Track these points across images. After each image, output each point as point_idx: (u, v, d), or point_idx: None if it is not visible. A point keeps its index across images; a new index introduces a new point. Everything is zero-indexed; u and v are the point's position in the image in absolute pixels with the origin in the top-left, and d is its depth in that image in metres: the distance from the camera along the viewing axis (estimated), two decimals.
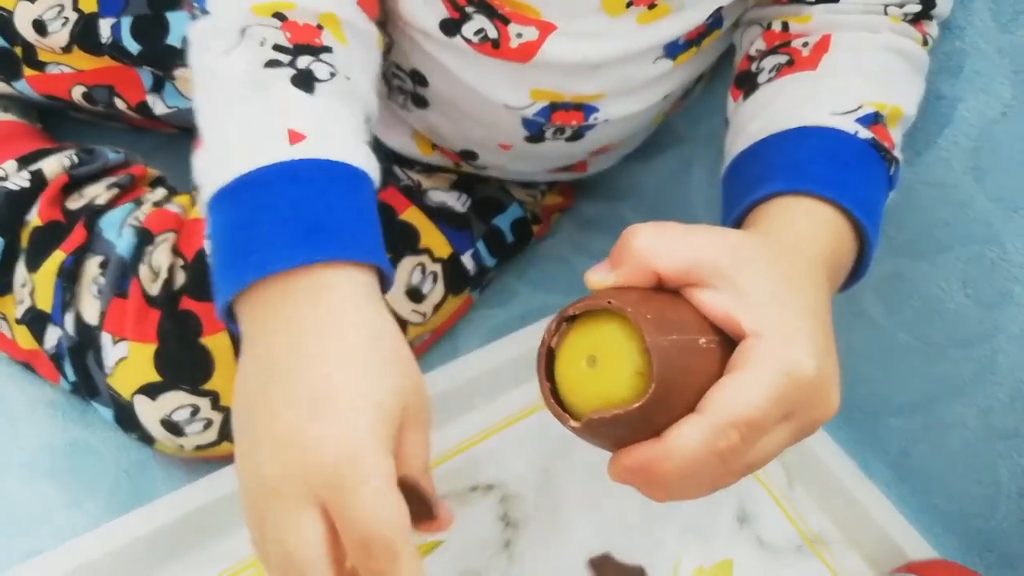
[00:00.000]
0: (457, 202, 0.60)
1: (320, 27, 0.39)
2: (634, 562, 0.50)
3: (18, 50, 0.56)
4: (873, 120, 0.43)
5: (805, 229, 0.39)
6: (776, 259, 0.35)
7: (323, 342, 0.33)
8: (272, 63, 0.38)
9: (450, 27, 0.46)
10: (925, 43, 0.48)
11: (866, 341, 0.57)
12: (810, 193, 0.40)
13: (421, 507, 0.34)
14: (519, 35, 0.46)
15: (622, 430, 0.31)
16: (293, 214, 0.34)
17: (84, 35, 0.55)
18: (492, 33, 0.45)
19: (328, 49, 0.39)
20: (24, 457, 0.52)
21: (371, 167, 0.38)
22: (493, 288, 0.65)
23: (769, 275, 0.33)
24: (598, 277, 0.33)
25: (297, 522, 0.31)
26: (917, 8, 0.47)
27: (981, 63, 0.50)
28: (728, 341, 0.33)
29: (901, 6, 0.47)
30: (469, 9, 0.45)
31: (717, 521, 0.53)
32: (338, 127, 0.38)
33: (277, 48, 0.38)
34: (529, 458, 0.53)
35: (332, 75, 0.38)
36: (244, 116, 0.37)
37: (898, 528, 0.52)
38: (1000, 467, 0.53)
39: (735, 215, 0.42)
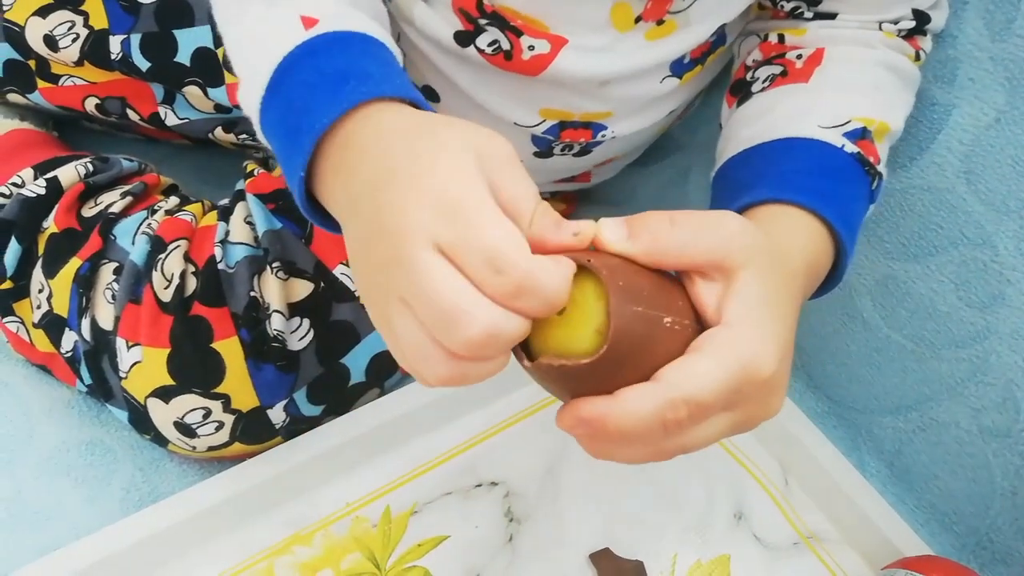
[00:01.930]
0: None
1: None
2: (633, 557, 0.51)
3: (32, 63, 0.57)
4: (860, 135, 0.45)
5: (791, 240, 0.40)
6: (772, 266, 0.36)
7: (395, 151, 0.32)
8: None
9: (464, 38, 0.47)
10: (918, 58, 0.49)
11: (860, 342, 0.58)
12: (795, 203, 0.41)
13: None
14: (531, 47, 0.47)
15: (571, 382, 0.32)
16: (322, 78, 0.35)
17: (94, 51, 0.55)
18: (505, 45, 0.46)
19: None
20: (41, 455, 0.53)
21: (387, 39, 0.38)
22: None
23: (764, 280, 0.34)
24: (609, 237, 0.33)
25: (427, 265, 0.30)
26: (911, 24, 0.48)
27: (975, 71, 0.50)
28: (699, 328, 0.34)
29: (896, 22, 0.48)
30: (483, 21, 0.46)
31: (714, 518, 0.54)
32: (350, 10, 0.39)
33: None
34: (532, 456, 0.54)
35: None
36: (263, 29, 0.38)
37: (893, 525, 0.53)
38: (993, 466, 0.54)
39: None
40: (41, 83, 0.58)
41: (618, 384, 0.32)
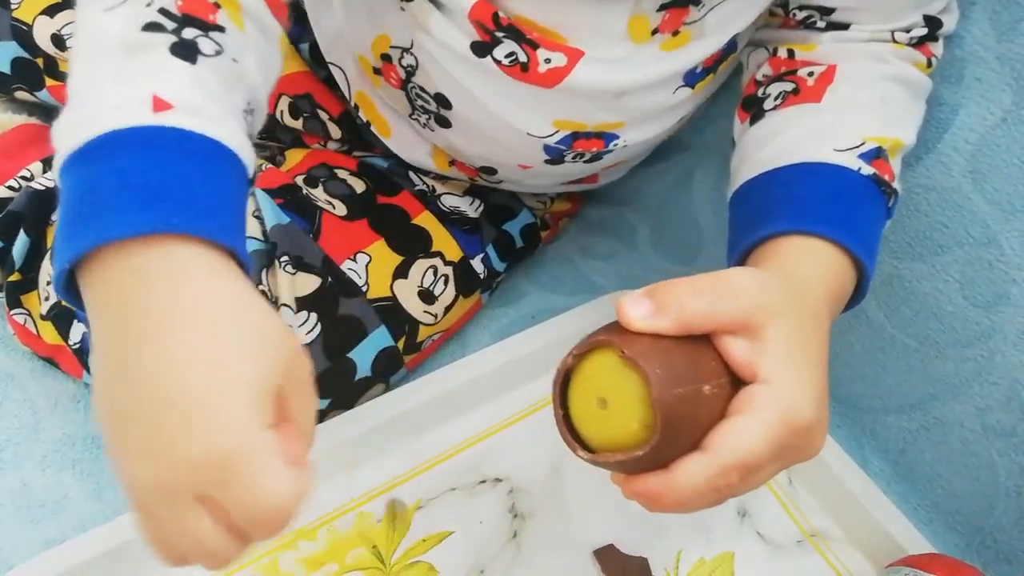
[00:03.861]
0: (470, 208, 0.61)
1: (217, 5, 0.36)
2: (637, 553, 0.51)
3: (40, 61, 0.58)
4: (875, 155, 0.45)
5: (813, 271, 0.41)
6: (797, 311, 0.37)
7: (169, 327, 0.29)
8: (153, 26, 0.34)
9: (480, 49, 0.47)
10: (929, 64, 0.49)
11: (865, 341, 0.58)
12: (815, 234, 0.42)
13: None
14: (547, 60, 0.47)
15: (627, 468, 0.35)
16: (142, 180, 0.31)
17: None
18: (522, 57, 0.46)
19: (220, 28, 0.36)
20: (46, 448, 0.54)
21: (245, 152, 0.34)
22: (502, 289, 0.66)
23: (792, 328, 0.36)
24: (635, 316, 0.34)
25: (192, 522, 0.30)
26: (923, 31, 0.48)
27: (982, 71, 0.50)
28: (735, 382, 0.35)
29: (908, 31, 0.48)
30: (499, 34, 0.46)
31: (718, 515, 0.54)
32: (213, 104, 0.34)
33: (163, 12, 0.34)
34: (536, 453, 0.54)
35: (218, 53, 0.35)
36: (110, 78, 0.33)
37: (897, 524, 0.53)
38: (998, 465, 0.54)
39: (742, 247, 0.44)
40: (49, 81, 0.58)
41: (673, 455, 0.34)
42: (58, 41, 0.56)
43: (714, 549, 0.53)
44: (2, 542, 0.50)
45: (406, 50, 0.50)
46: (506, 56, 0.47)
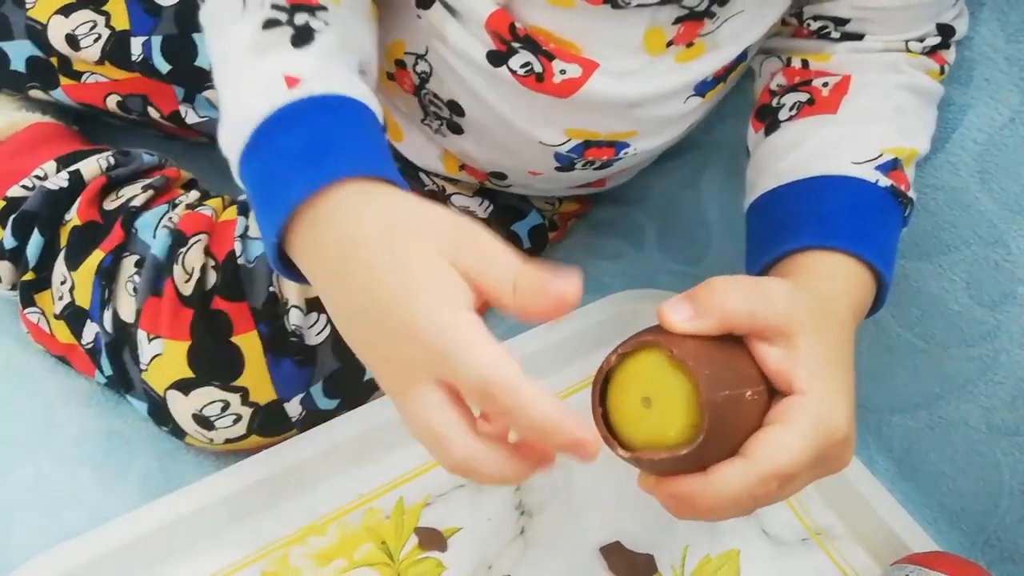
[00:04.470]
0: (479, 208, 0.61)
1: None
2: (643, 550, 0.52)
3: (54, 60, 0.58)
4: (892, 166, 0.46)
5: (837, 286, 0.42)
6: (827, 324, 0.38)
7: (371, 254, 0.34)
8: (271, 23, 0.39)
9: (497, 59, 0.47)
10: (942, 72, 0.50)
11: (871, 340, 0.58)
12: (838, 249, 0.43)
13: None
14: (563, 71, 0.47)
15: (667, 467, 0.35)
16: (299, 149, 0.36)
17: (116, 52, 0.56)
18: (537, 68, 0.47)
19: (323, 7, 0.41)
20: (59, 445, 0.54)
21: (370, 100, 0.39)
22: None
23: (822, 341, 0.37)
24: (677, 319, 0.35)
25: (422, 398, 0.33)
26: (937, 40, 0.49)
27: (990, 71, 0.51)
28: (771, 390, 0.36)
29: (922, 40, 0.48)
30: (515, 44, 0.46)
31: None
32: (333, 66, 0.39)
33: (275, 7, 0.40)
34: None
35: (326, 26, 0.40)
36: (249, 79, 0.39)
37: (902, 523, 0.53)
38: (1002, 464, 0.54)
39: (764, 261, 0.45)
40: (64, 80, 0.59)
41: (712, 458, 0.35)
42: (72, 41, 0.56)
43: (720, 547, 0.53)
44: (18, 534, 0.50)
45: (420, 56, 0.51)
46: (522, 66, 0.47)
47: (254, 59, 0.39)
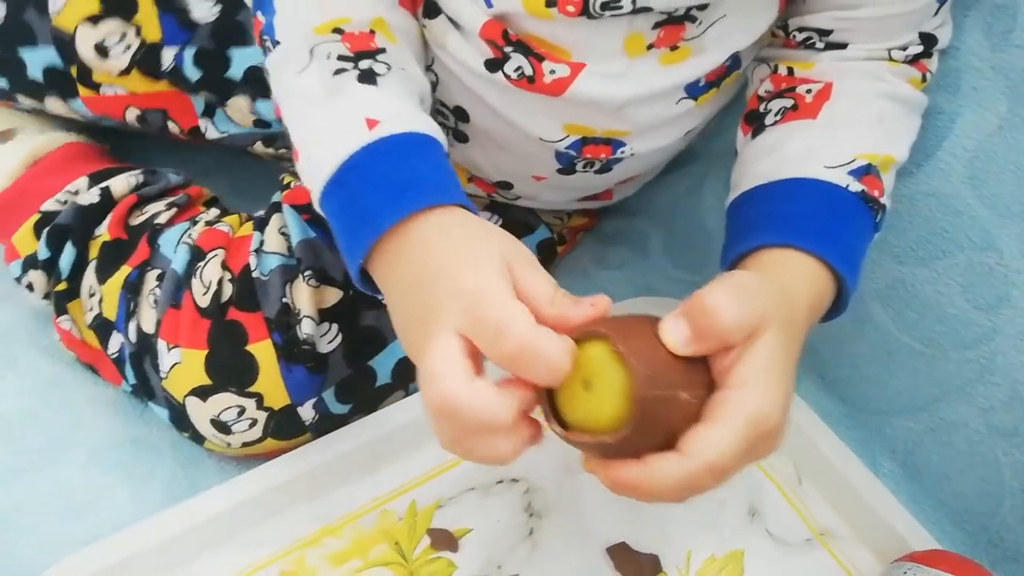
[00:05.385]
0: (489, 222, 0.63)
1: (373, 32, 0.46)
2: (649, 551, 0.53)
3: (73, 70, 0.58)
4: (865, 172, 0.47)
5: (795, 282, 0.43)
6: (785, 317, 0.39)
7: (441, 253, 0.39)
8: (339, 71, 0.44)
9: (493, 65, 0.50)
10: (924, 80, 0.51)
11: (871, 345, 0.59)
12: (798, 248, 0.44)
13: None
14: (552, 72, 0.49)
15: (597, 451, 0.38)
16: (387, 182, 0.41)
17: (146, 61, 0.57)
18: (528, 70, 0.49)
19: (383, 50, 0.46)
20: (86, 451, 0.56)
21: (436, 132, 0.44)
22: None
23: (776, 335, 0.38)
24: (677, 342, 0.37)
25: (439, 341, 0.36)
26: (919, 49, 0.50)
27: (977, 80, 0.52)
28: (713, 384, 0.38)
29: (904, 48, 0.50)
30: (508, 49, 0.49)
31: (728, 514, 0.55)
32: (402, 106, 0.44)
33: (341, 58, 0.44)
34: (551, 454, 0.55)
35: (389, 68, 0.45)
36: (327, 118, 0.43)
37: (905, 523, 0.54)
38: (1002, 465, 0.55)
39: (731, 257, 0.47)
40: (83, 91, 0.59)
41: (641, 447, 0.37)
42: (102, 50, 0.57)
43: (724, 547, 0.54)
44: (42, 538, 0.52)
45: (427, 68, 0.53)
46: (514, 70, 0.50)
47: (328, 100, 0.43)
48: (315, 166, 0.43)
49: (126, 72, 0.58)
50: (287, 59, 0.46)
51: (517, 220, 0.65)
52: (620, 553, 0.52)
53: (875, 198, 0.47)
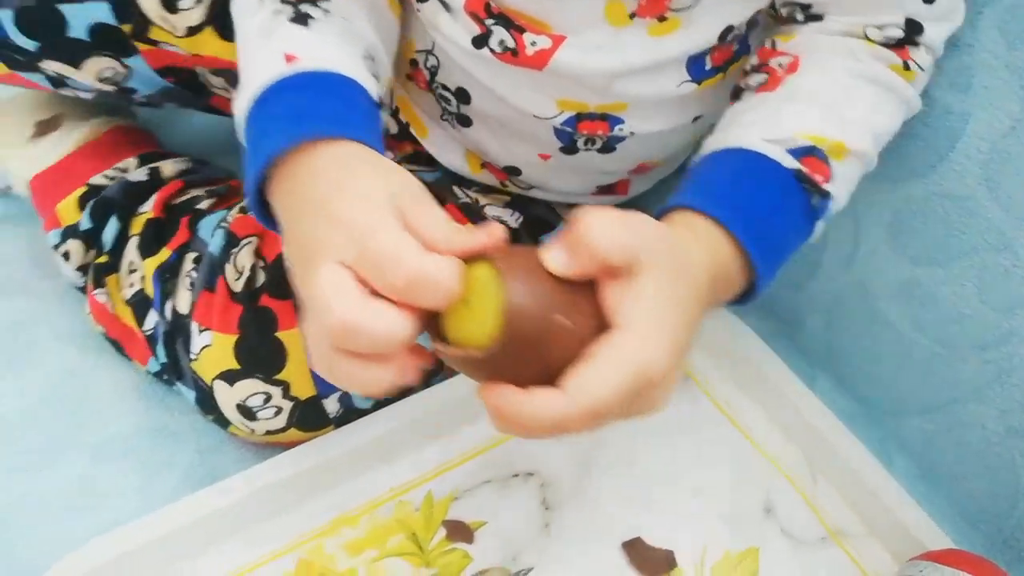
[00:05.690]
0: (511, 219, 0.64)
1: None
2: (664, 546, 0.53)
3: (127, 28, 0.54)
4: (806, 152, 0.46)
5: (696, 245, 0.42)
6: (676, 266, 0.38)
7: (329, 185, 0.38)
8: (277, 12, 0.45)
9: (479, 41, 0.51)
10: (907, 68, 0.49)
11: (888, 345, 0.60)
12: (702, 212, 0.43)
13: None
14: (533, 43, 0.50)
15: (472, 369, 0.37)
16: (288, 111, 0.41)
17: (223, 16, 0.53)
18: (510, 43, 0.50)
19: None
20: (106, 436, 0.57)
21: (361, 76, 0.43)
22: None
23: (663, 281, 0.36)
24: (550, 259, 0.36)
25: (325, 269, 0.35)
26: (899, 34, 0.49)
27: (990, 79, 0.52)
28: (600, 327, 0.36)
29: (881, 28, 0.49)
30: (489, 22, 0.50)
31: (744, 511, 0.55)
32: (329, 50, 0.44)
33: (284, 1, 0.45)
34: (566, 448, 0.56)
35: (327, 14, 0.45)
36: (255, 58, 0.44)
37: (920, 522, 0.54)
38: (1019, 466, 0.55)
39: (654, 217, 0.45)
40: (141, 46, 0.56)
41: (521, 372, 0.36)
42: (169, 3, 0.54)
43: (739, 544, 0.54)
44: (56, 528, 0.53)
45: (429, 52, 0.54)
46: (498, 44, 0.50)
47: (261, 41, 0.44)
48: (240, 99, 0.43)
49: (195, 31, 0.55)
50: (242, 5, 0.47)
51: (539, 217, 0.66)
52: (635, 548, 0.53)
53: (814, 181, 0.46)
